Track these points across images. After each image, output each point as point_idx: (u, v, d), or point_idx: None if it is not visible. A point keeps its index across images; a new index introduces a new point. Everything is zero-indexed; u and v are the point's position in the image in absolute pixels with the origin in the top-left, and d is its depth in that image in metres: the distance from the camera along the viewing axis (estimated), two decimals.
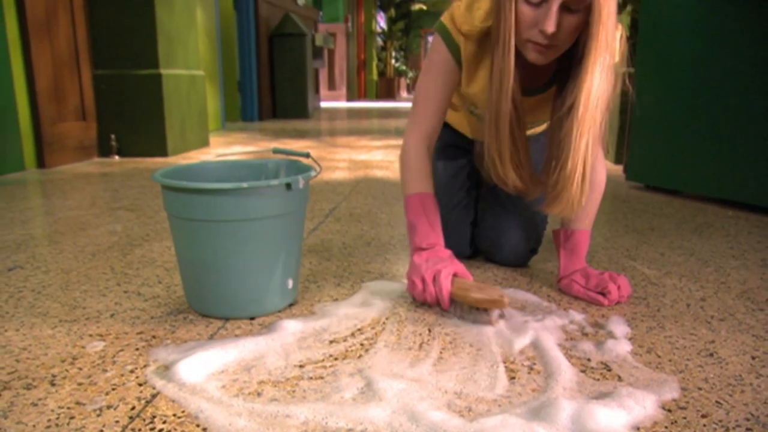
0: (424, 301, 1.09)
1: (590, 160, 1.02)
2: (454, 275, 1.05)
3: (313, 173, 1.06)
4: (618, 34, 1.10)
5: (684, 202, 2.14)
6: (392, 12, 12.41)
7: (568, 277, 1.19)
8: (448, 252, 1.10)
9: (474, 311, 1.02)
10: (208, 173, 1.16)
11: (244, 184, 0.95)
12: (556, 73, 1.10)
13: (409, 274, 1.09)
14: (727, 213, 1.98)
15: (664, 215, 1.93)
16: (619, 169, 2.83)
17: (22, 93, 2.76)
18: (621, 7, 2.57)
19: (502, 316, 1.03)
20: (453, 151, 1.42)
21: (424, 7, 13.25)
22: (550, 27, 0.93)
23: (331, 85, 10.03)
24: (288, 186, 0.99)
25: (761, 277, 1.33)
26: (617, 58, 1.09)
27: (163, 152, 3.25)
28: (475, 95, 1.16)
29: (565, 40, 0.97)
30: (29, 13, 2.73)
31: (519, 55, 1.02)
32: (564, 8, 0.93)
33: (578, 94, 0.97)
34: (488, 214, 1.35)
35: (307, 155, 1.16)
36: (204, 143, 3.71)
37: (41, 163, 2.84)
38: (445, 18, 1.13)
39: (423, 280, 1.05)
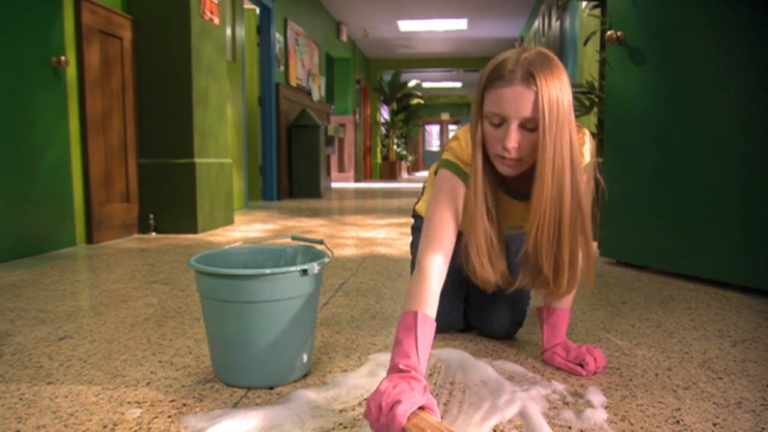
0: None
1: (548, 258, 1.05)
2: (421, 409, 0.83)
3: (326, 260, 1.08)
4: (586, 138, 1.15)
5: (651, 277, 2.15)
6: (394, 105, 12.78)
7: (551, 350, 1.20)
8: (423, 383, 0.87)
9: None
10: (234, 258, 1.19)
11: (267, 271, 0.98)
12: None
13: (369, 397, 0.86)
14: (688, 286, 1.98)
15: (634, 289, 1.94)
16: (593, 246, 2.85)
17: (77, 179, 2.84)
18: (588, 109, 2.67)
19: None
20: None
21: (422, 101, 13.65)
22: (511, 143, 0.98)
23: (341, 168, 10.22)
24: (304, 272, 1.02)
25: (719, 347, 1.33)
26: (588, 158, 1.14)
27: (193, 230, 3.30)
28: None
29: (528, 154, 1.01)
30: (89, 113, 2.85)
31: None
32: (521, 127, 0.99)
33: (533, 201, 1.02)
34: (477, 292, 1.36)
35: (321, 242, 1.19)
36: (229, 221, 3.77)
37: (90, 239, 2.88)
38: (448, 155, 1.13)
39: (379, 408, 0.82)
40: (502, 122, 0.99)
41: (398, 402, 0.81)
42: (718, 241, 1.99)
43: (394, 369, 0.91)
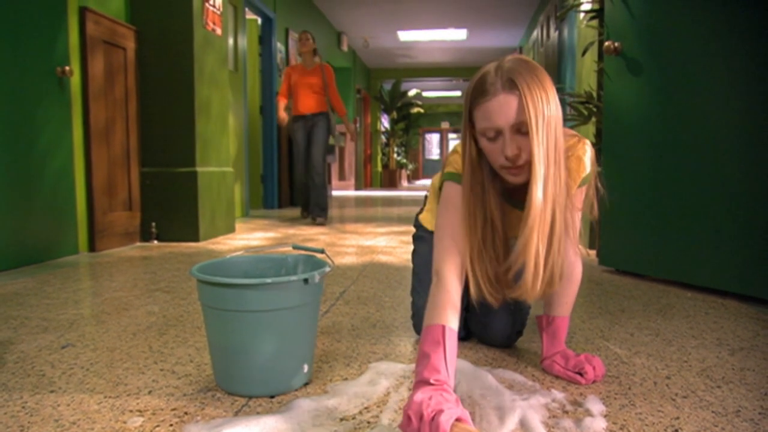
0: None
1: (542, 253, 1.00)
2: (457, 420, 0.83)
3: (327, 269, 1.09)
4: (587, 148, 1.15)
5: (650, 285, 2.15)
6: (394, 114, 12.81)
7: (550, 359, 1.20)
8: (454, 396, 0.88)
9: None
10: (236, 267, 1.19)
11: (268, 280, 0.98)
12: None
13: (405, 408, 0.85)
14: (687, 295, 1.98)
15: (633, 297, 1.94)
16: (593, 254, 2.85)
17: (81, 188, 2.85)
18: (587, 119, 2.68)
19: None
20: None
21: (422, 110, 13.70)
22: (510, 151, 0.98)
23: (342, 176, 10.23)
24: (305, 281, 1.02)
25: (717, 356, 1.33)
26: (588, 167, 1.14)
27: (195, 238, 3.30)
28: None
29: (529, 157, 1.00)
30: (92, 123, 2.86)
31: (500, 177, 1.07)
32: (516, 132, 0.98)
33: (527, 199, 0.99)
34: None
35: (322, 251, 1.20)
36: (230, 230, 3.77)
37: (92, 247, 2.89)
38: (449, 169, 1.13)
39: (420, 418, 0.82)
40: (498, 134, 0.99)
41: (440, 411, 0.81)
42: (716, 249, 1.99)
43: (424, 382, 0.90)
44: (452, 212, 1.09)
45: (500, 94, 0.96)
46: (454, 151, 1.15)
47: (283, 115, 4.48)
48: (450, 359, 0.92)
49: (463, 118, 1.05)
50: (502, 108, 0.96)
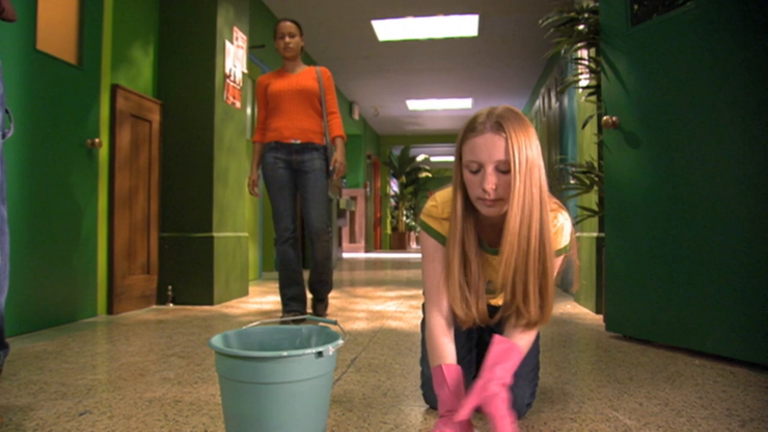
0: None
1: (520, 283, 1.12)
2: None
3: (340, 341, 1.10)
4: (561, 218, 1.21)
5: (657, 352, 2.12)
6: (403, 179, 13.01)
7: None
8: (465, 423, 1.06)
9: None
10: (252, 338, 1.21)
11: (284, 353, 1.00)
12: None
13: None
14: (695, 362, 1.95)
15: (641, 364, 1.92)
16: (599, 318, 2.83)
17: (102, 252, 2.90)
18: (589, 188, 2.73)
19: None
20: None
21: (430, 175, 13.91)
22: (488, 185, 1.09)
23: (352, 239, 10.28)
24: (319, 354, 1.04)
25: (728, 428, 1.30)
26: (567, 239, 1.20)
27: (209, 301, 3.32)
28: None
29: (505, 194, 1.11)
30: (117, 191, 2.95)
31: (479, 219, 1.20)
32: (497, 170, 1.10)
33: (505, 224, 1.10)
34: None
35: (335, 323, 1.22)
36: (244, 293, 3.79)
37: (110, 309, 2.91)
38: (423, 216, 1.28)
39: None
40: (480, 168, 1.11)
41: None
42: (723, 316, 1.97)
43: (440, 416, 1.10)
44: (432, 264, 1.24)
45: (488, 133, 1.09)
46: (432, 199, 1.28)
47: (255, 177, 2.86)
48: (455, 389, 1.10)
49: (455, 152, 1.17)
50: (487, 145, 1.09)
